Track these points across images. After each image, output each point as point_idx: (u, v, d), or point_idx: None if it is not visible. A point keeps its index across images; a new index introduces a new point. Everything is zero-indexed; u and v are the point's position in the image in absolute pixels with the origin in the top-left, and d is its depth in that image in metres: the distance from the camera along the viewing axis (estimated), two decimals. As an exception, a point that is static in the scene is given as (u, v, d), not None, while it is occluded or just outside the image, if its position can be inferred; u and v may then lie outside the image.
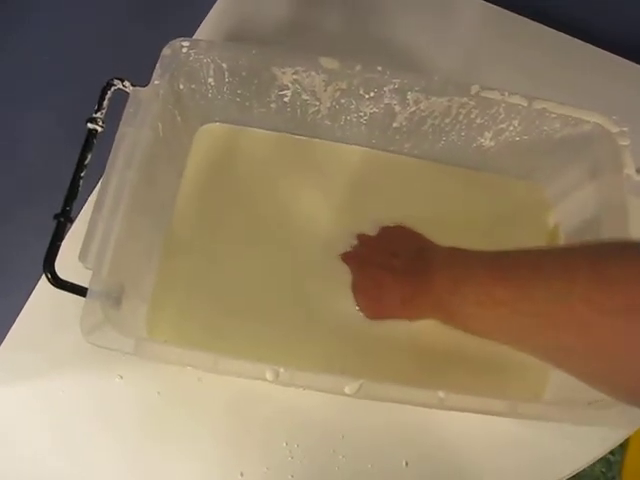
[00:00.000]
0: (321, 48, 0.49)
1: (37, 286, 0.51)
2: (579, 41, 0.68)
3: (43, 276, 0.39)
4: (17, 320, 0.51)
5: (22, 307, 0.51)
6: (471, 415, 0.48)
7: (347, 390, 0.37)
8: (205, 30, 0.64)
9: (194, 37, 0.63)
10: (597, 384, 0.35)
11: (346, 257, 0.52)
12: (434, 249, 0.48)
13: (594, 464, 0.51)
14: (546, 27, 0.69)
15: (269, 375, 0.37)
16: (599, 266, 0.32)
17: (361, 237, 0.53)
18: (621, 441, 0.52)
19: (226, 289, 0.50)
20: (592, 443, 0.51)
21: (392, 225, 0.54)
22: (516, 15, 0.69)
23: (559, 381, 0.48)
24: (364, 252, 0.52)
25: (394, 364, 0.48)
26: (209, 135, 0.56)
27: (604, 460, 1.05)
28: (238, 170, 0.55)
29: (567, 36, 0.68)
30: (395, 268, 0.48)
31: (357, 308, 0.50)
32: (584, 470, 0.51)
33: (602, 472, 1.06)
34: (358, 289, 0.51)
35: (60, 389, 0.49)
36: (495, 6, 0.70)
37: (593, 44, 0.68)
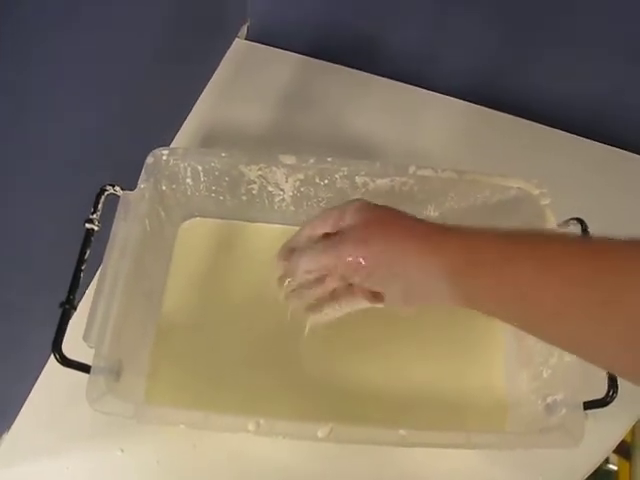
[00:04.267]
0: (281, 145, 0.58)
1: (45, 368, 0.57)
2: (502, 114, 0.80)
3: (50, 358, 0.45)
4: (26, 401, 0.56)
5: (31, 389, 0.56)
6: (447, 456, 0.53)
7: (319, 434, 0.43)
8: (182, 137, 0.74)
9: (173, 143, 0.73)
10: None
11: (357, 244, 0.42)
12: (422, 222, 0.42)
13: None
14: (476, 105, 0.80)
15: (251, 426, 0.43)
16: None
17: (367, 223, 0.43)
18: (584, 476, 0.57)
19: (214, 360, 0.56)
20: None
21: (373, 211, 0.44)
22: (447, 97, 0.81)
23: (517, 417, 0.54)
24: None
25: (367, 410, 0.53)
26: (191, 228, 0.63)
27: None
28: (218, 256, 0.62)
29: (493, 111, 0.80)
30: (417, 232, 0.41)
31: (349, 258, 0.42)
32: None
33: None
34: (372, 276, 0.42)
35: (65, 466, 0.53)
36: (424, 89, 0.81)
37: (514, 115, 0.79)
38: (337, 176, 0.55)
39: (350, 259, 0.41)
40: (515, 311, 0.37)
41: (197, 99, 0.78)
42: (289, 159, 0.55)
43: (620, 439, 0.59)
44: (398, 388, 0.55)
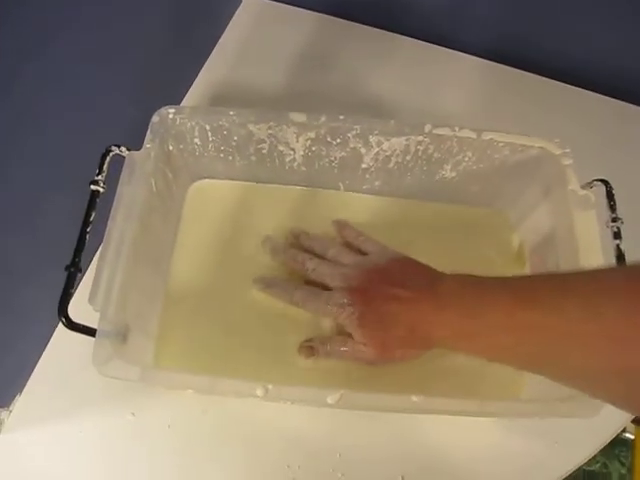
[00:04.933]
0: (292, 105, 0.56)
1: (55, 333, 0.57)
2: (525, 72, 0.77)
3: (59, 324, 0.44)
4: (37, 365, 0.56)
5: (41, 354, 0.56)
6: (462, 427, 0.52)
7: (329, 400, 0.42)
8: (191, 97, 0.72)
9: (182, 103, 0.71)
10: (618, 402, 0.36)
11: (352, 292, 0.50)
12: (446, 277, 0.47)
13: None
14: (497, 64, 0.77)
15: (259, 392, 0.42)
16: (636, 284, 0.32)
17: (369, 272, 0.51)
18: (604, 444, 0.55)
19: (224, 324, 0.55)
20: (576, 448, 0.54)
21: (400, 258, 0.52)
22: (468, 55, 0.78)
23: (534, 383, 0.52)
24: (370, 286, 0.50)
25: (382, 380, 0.52)
26: (200, 190, 0.62)
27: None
28: (228, 219, 0.61)
29: (514, 69, 0.77)
30: (402, 299, 0.47)
31: (363, 348, 0.49)
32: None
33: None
34: (364, 324, 0.49)
35: (78, 430, 0.53)
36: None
37: (534, 72, 0.76)
38: (350, 135, 0.53)
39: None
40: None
41: (206, 59, 0.76)
42: (300, 117, 0.53)
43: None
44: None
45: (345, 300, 0.49)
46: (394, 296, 0.47)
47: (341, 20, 0.80)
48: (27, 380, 0.55)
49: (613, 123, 0.73)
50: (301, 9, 0.81)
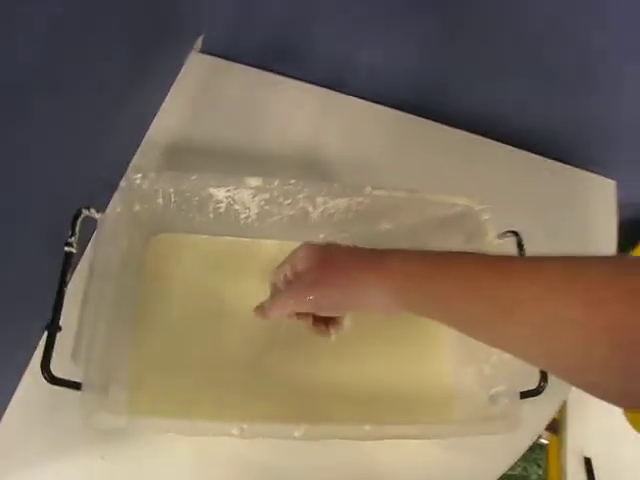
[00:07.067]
0: (248, 169, 0.62)
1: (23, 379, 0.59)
2: (441, 125, 0.87)
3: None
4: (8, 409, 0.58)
5: (11, 397, 0.59)
6: (402, 448, 0.60)
7: (296, 434, 0.48)
8: (143, 151, 0.76)
9: (134, 158, 0.75)
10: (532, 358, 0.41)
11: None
12: (388, 252, 0.49)
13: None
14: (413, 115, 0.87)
15: (235, 431, 0.47)
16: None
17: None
18: (522, 452, 0.65)
19: (191, 367, 0.60)
20: (501, 457, 0.63)
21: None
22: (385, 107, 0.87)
23: (464, 407, 0.61)
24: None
25: (333, 407, 0.59)
26: (160, 243, 0.67)
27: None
28: (187, 268, 0.66)
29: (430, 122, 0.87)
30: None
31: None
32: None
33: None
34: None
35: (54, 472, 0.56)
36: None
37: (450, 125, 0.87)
38: (300, 196, 0.60)
39: (310, 298, 0.50)
40: (444, 318, 0.45)
41: (155, 114, 0.81)
42: (255, 181, 0.59)
43: (550, 419, 0.68)
44: (359, 386, 0.61)
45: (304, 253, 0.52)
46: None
47: (274, 75, 0.88)
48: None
49: (524, 174, 0.85)
50: (239, 64, 0.88)
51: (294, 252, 0.53)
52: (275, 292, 0.56)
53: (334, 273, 0.49)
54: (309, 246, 0.53)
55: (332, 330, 0.54)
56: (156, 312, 0.63)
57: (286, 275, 0.53)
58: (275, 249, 0.68)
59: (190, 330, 0.62)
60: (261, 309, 0.54)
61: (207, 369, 0.60)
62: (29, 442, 0.57)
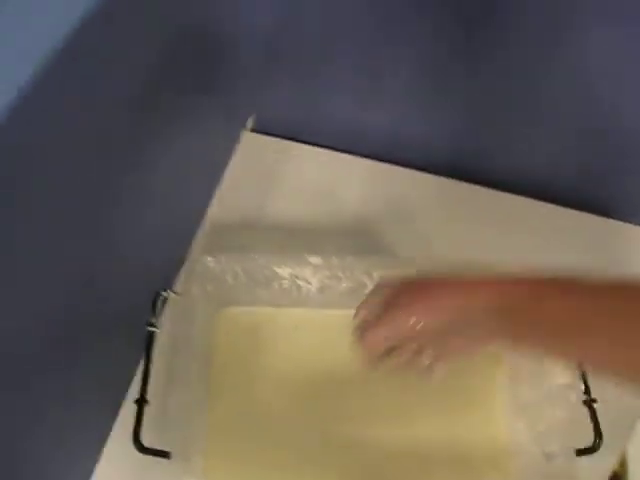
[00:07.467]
0: (305, 243, 0.68)
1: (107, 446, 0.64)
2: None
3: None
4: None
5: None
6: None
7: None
8: (205, 232, 0.83)
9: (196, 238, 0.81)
10: None
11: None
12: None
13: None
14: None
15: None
16: None
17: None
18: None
19: (264, 441, 0.63)
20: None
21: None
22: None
23: (520, 464, 0.63)
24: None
25: (387, 469, 0.62)
26: (228, 316, 0.72)
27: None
28: (254, 339, 0.71)
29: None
30: None
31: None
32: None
33: None
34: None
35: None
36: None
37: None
38: (357, 271, 0.66)
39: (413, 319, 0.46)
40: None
41: (212, 196, 0.87)
42: (315, 260, 0.65)
43: (609, 474, 0.69)
44: (412, 446, 0.63)
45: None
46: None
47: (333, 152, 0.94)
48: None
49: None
50: (293, 142, 0.95)
51: (374, 289, 0.53)
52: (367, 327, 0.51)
53: (436, 289, 0.47)
54: (390, 279, 0.51)
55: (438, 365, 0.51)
56: (229, 387, 0.67)
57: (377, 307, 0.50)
58: (336, 318, 0.71)
59: (260, 399, 0.66)
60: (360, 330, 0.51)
61: (285, 446, 0.63)
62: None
